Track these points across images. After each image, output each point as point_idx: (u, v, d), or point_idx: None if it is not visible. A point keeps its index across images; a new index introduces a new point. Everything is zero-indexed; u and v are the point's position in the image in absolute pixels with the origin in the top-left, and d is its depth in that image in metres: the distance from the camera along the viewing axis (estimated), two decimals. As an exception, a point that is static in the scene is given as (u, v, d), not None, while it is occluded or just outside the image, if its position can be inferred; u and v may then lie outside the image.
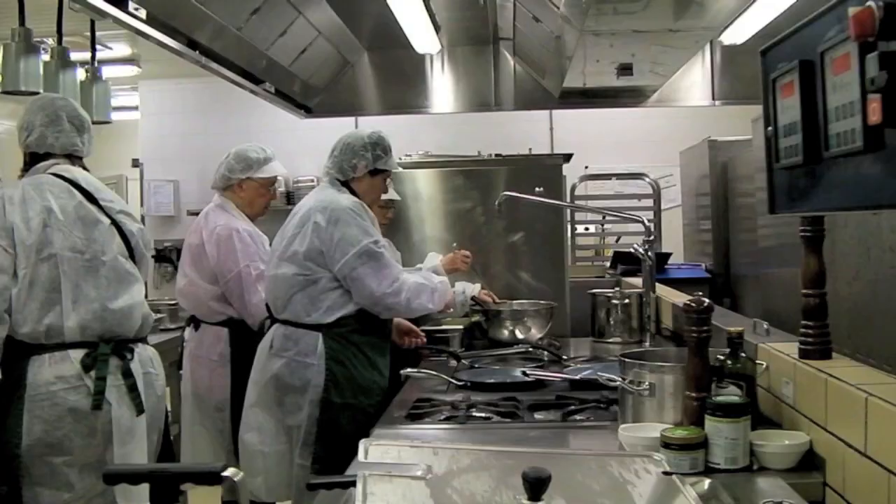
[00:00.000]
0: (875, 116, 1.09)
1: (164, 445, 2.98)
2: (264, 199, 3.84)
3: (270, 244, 3.73)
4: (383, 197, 3.79)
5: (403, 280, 3.16)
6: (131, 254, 2.86)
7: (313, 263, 3.11)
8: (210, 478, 1.45)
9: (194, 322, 3.80)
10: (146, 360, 2.86)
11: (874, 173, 1.16)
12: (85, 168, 2.95)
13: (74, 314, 2.66)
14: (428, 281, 3.30)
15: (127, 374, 2.73)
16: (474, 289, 3.86)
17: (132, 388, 2.72)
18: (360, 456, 1.55)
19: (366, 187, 3.28)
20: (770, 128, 1.52)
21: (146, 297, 2.99)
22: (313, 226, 3.12)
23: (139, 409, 2.73)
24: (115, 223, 2.82)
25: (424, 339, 3.65)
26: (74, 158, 2.90)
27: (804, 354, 2.00)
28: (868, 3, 1.07)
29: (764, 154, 1.60)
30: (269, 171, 3.81)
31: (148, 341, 2.95)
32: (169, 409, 4.45)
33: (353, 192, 3.25)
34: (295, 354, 3.11)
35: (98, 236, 2.75)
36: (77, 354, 2.65)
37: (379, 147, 3.26)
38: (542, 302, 3.97)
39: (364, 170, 3.25)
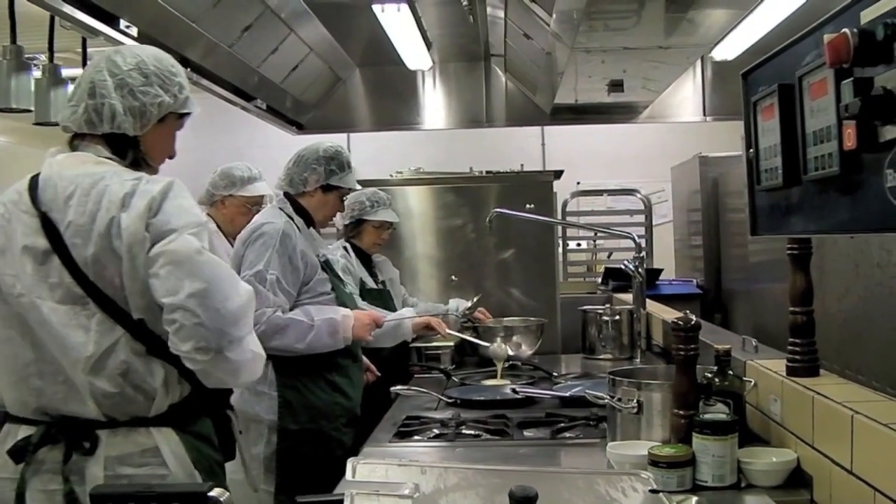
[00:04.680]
0: (850, 142, 1.10)
1: None
2: (245, 219, 3.78)
3: None
4: (380, 217, 3.78)
5: (266, 315, 2.76)
6: (92, 291, 1.80)
7: None
8: (195, 498, 1.46)
9: None
10: (121, 456, 1.80)
11: (850, 197, 1.17)
12: (123, 153, 2.00)
13: (7, 382, 1.87)
14: (319, 315, 2.89)
15: (67, 477, 1.77)
16: (465, 306, 3.88)
17: (71, 500, 1.76)
18: (348, 475, 1.56)
19: (316, 204, 3.05)
20: (751, 150, 1.54)
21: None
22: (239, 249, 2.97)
23: None
24: (60, 248, 1.80)
25: (378, 375, 3.42)
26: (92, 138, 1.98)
27: (791, 372, 2.01)
28: (843, 30, 1.09)
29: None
30: (252, 191, 3.80)
31: (161, 423, 1.83)
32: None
33: (299, 209, 3.04)
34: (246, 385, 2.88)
35: (24, 271, 1.81)
36: (24, 432, 1.83)
37: (334, 162, 3.03)
38: (532, 318, 3.97)
39: (315, 184, 3.02)
